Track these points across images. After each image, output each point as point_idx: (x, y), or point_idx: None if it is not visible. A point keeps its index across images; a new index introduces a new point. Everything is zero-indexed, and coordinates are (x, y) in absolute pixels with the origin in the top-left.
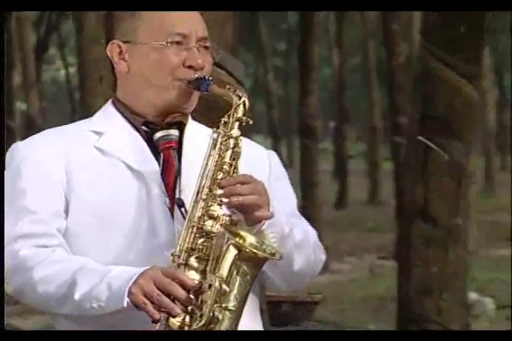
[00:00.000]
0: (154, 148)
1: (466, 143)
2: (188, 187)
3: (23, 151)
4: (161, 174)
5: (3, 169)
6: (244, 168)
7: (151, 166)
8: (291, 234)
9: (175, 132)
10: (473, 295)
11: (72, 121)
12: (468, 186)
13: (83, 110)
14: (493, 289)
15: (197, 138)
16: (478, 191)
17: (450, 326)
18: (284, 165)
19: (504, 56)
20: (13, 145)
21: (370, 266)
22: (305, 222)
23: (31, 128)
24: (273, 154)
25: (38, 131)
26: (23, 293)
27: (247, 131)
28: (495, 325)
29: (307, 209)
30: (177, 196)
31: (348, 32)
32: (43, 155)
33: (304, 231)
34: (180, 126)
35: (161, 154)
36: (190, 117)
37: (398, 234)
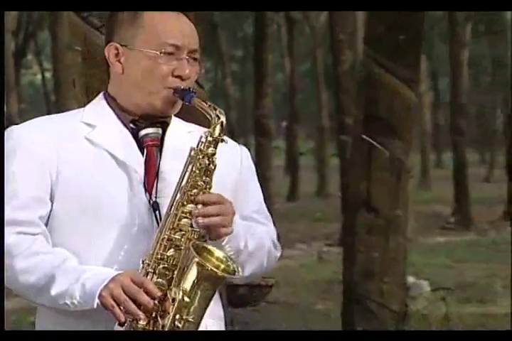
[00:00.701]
0: (139, 144)
1: (405, 141)
2: (166, 183)
3: (19, 134)
4: (144, 168)
5: (3, 169)
6: (218, 160)
7: (136, 160)
8: (246, 247)
9: (158, 131)
10: (410, 279)
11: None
12: (406, 180)
13: (58, 111)
14: (429, 273)
15: (178, 136)
16: (415, 185)
17: (390, 306)
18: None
19: (439, 63)
20: (9, 128)
21: (319, 252)
22: (269, 218)
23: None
24: (244, 149)
25: None
26: (5, 278)
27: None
28: (430, 305)
29: None
30: (153, 196)
31: (299, 41)
32: (37, 140)
33: (259, 239)
34: (164, 125)
35: (145, 150)
36: (173, 116)
37: (344, 223)
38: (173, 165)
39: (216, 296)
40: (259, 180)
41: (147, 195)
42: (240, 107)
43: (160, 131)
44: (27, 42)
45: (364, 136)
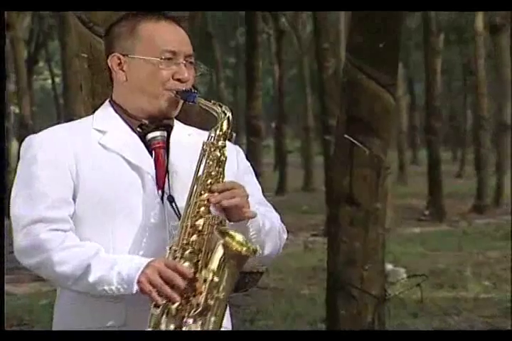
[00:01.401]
0: (147, 146)
1: (383, 140)
2: (176, 180)
3: (39, 141)
4: (155, 168)
5: (3, 169)
6: None
7: (147, 162)
8: (264, 226)
9: (163, 133)
10: (389, 266)
11: (58, 122)
12: (385, 176)
13: (66, 113)
14: (405, 261)
15: (181, 137)
16: (393, 180)
17: (371, 291)
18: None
19: (414, 69)
20: (27, 138)
21: (305, 242)
22: (271, 207)
23: (23, 127)
24: (239, 149)
25: (29, 130)
26: (40, 269)
27: (206, 130)
28: (407, 290)
29: None
30: (166, 191)
31: (287, 49)
32: (55, 147)
33: (271, 220)
34: (168, 128)
35: (153, 152)
36: (175, 119)
37: (328, 215)
38: (181, 162)
39: None
40: None
41: (159, 192)
42: (233, 109)
43: (165, 133)
44: (38, 51)
45: (346, 136)
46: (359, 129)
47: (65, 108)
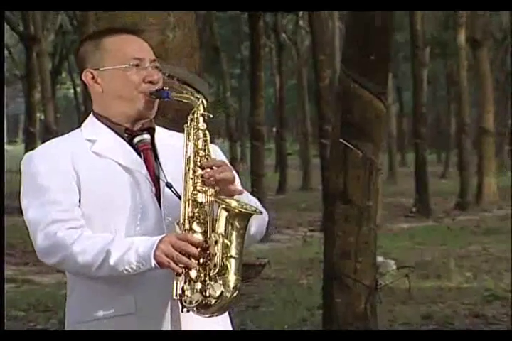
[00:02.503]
0: (135, 149)
1: (375, 144)
2: (167, 175)
3: (39, 156)
4: (146, 167)
5: (3, 170)
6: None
7: (137, 163)
8: (250, 202)
9: (147, 136)
10: (380, 258)
11: (79, 127)
12: (376, 176)
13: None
14: (395, 253)
15: (164, 138)
16: (384, 180)
17: (363, 281)
18: (236, 160)
19: (403, 79)
20: (27, 154)
21: (303, 237)
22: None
23: (48, 132)
24: (216, 147)
25: (54, 134)
26: (64, 264)
27: (210, 135)
28: (396, 281)
29: (256, 193)
30: (161, 182)
31: (287, 61)
32: (56, 158)
33: (255, 201)
34: (150, 131)
35: (141, 154)
36: (154, 123)
37: (324, 212)
38: (167, 160)
39: None
40: (253, 176)
41: (153, 188)
42: (238, 116)
43: (148, 136)
44: (62, 63)
45: (341, 140)
46: (353, 134)
47: (86, 114)
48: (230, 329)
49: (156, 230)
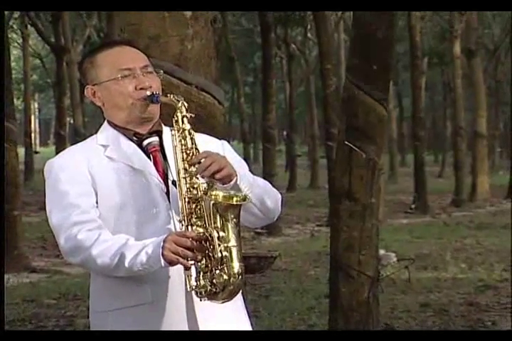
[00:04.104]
0: (145, 151)
1: (377, 145)
2: (174, 175)
3: (58, 163)
4: (155, 168)
5: (3, 170)
6: (207, 147)
7: (147, 165)
8: (256, 182)
9: (156, 139)
10: (381, 251)
11: (96, 133)
12: (379, 176)
13: None
14: (395, 247)
15: (171, 139)
16: (385, 179)
17: (366, 272)
18: (249, 159)
19: (403, 87)
20: (47, 162)
21: (311, 231)
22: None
23: (77, 135)
24: (225, 143)
25: (82, 137)
26: (85, 264)
27: (227, 137)
28: (397, 272)
29: None
30: (170, 181)
31: (296, 70)
32: (73, 164)
33: (263, 180)
34: (158, 134)
35: (151, 156)
36: (163, 125)
37: (330, 209)
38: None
39: None
40: (265, 175)
41: (164, 188)
42: (251, 120)
43: (157, 138)
44: None
45: (346, 142)
46: (357, 136)
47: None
48: (245, 314)
49: (167, 227)
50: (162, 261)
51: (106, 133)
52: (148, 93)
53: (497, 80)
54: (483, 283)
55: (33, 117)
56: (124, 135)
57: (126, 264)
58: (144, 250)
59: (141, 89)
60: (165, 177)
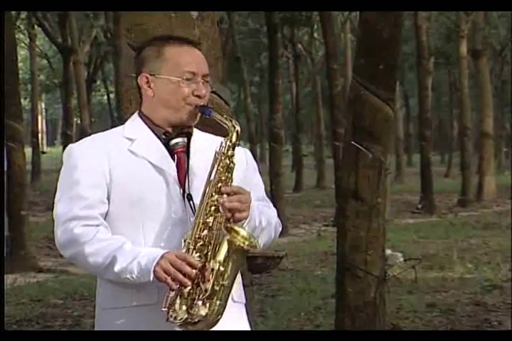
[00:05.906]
0: (170, 151)
1: (383, 145)
2: (195, 180)
3: (79, 150)
4: (176, 169)
5: (3, 168)
6: None
7: (169, 165)
8: (260, 224)
9: (184, 140)
10: (388, 251)
11: (123, 124)
12: (385, 176)
13: (119, 123)
14: (402, 247)
15: (200, 142)
16: (392, 179)
17: (373, 272)
18: (257, 160)
19: (409, 86)
20: (68, 146)
21: (318, 231)
22: (270, 204)
23: (84, 135)
24: (248, 151)
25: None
26: (76, 259)
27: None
28: (403, 272)
29: (274, 191)
30: (186, 190)
31: (302, 70)
32: (92, 153)
33: (267, 217)
34: (188, 135)
35: (175, 156)
36: (194, 127)
37: (337, 209)
38: (199, 164)
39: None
40: (272, 175)
41: (181, 190)
42: (258, 120)
43: (186, 139)
44: (96, 72)
45: (353, 142)
46: (363, 137)
47: (118, 119)
48: (245, 316)
49: (181, 230)
50: (151, 275)
51: (135, 126)
52: (203, 103)
53: (503, 80)
54: (489, 282)
55: (40, 117)
56: (153, 131)
57: (116, 269)
58: (136, 260)
59: (197, 96)
60: (184, 180)
